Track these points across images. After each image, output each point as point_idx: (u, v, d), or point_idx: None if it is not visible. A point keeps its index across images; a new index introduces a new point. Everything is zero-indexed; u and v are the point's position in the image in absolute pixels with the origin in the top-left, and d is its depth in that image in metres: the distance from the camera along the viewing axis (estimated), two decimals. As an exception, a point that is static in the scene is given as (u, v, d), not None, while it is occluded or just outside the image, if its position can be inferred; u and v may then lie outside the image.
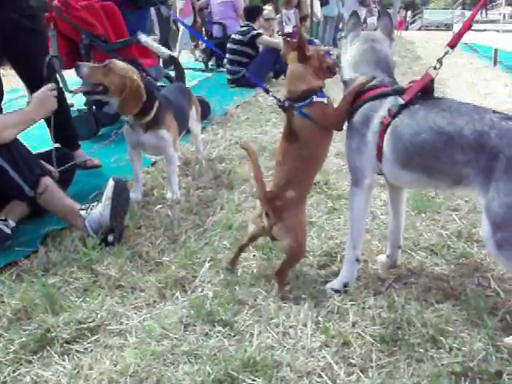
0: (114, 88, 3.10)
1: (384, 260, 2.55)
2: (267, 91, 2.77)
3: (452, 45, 2.20)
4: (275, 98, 2.49)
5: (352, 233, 2.34)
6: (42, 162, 3.02)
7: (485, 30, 22.92)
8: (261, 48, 8.17)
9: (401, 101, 2.13)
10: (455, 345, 1.94)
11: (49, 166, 3.07)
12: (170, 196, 3.40)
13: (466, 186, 2.01)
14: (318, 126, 2.30)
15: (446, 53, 2.19)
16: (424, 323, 2.05)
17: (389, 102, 2.17)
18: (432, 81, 2.17)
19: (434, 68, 2.17)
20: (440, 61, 2.17)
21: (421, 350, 1.91)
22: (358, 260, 2.35)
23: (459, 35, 2.19)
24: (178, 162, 3.61)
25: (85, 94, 3.34)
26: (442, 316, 2.11)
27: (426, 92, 2.16)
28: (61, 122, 3.19)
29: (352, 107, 2.28)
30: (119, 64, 3.17)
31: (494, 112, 1.98)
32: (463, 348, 1.92)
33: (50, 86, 3.03)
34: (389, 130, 2.14)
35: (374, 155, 2.20)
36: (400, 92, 2.18)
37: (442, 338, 1.97)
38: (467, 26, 2.22)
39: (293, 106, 2.31)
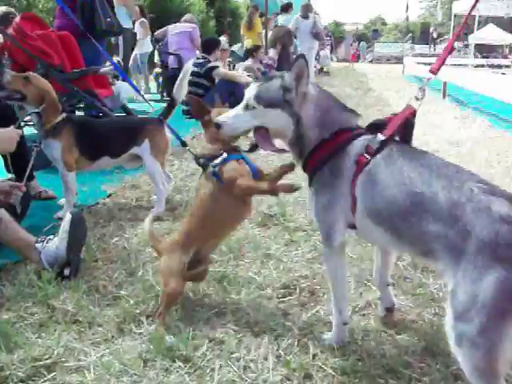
0: (32, 97, 3.49)
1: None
2: (184, 144, 2.94)
3: (434, 70, 2.08)
4: (192, 153, 2.67)
5: (335, 297, 2.14)
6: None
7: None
8: (217, 80, 8.23)
9: (381, 137, 1.92)
10: (415, 375, 1.97)
11: (13, 183, 3.10)
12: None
13: (434, 260, 1.76)
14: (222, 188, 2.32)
15: (429, 79, 2.09)
16: (383, 354, 2.07)
17: (365, 139, 1.95)
18: (414, 114, 1.99)
19: (417, 99, 1.99)
20: (423, 89, 2.01)
21: (381, 381, 1.94)
22: (345, 324, 2.16)
23: (442, 60, 2.08)
24: (72, 183, 3.69)
25: (3, 98, 3.63)
26: (400, 347, 2.14)
27: (406, 128, 1.98)
28: (16, 153, 3.15)
29: (320, 159, 2.01)
30: (39, 78, 3.60)
31: (479, 181, 1.71)
32: (423, 378, 1.96)
33: (20, 132, 3.17)
34: (364, 172, 1.90)
35: (348, 206, 1.96)
36: (379, 126, 1.98)
37: (401, 368, 2.00)
38: (449, 51, 2.17)
39: (207, 164, 2.36)
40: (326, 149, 1.99)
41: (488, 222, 1.58)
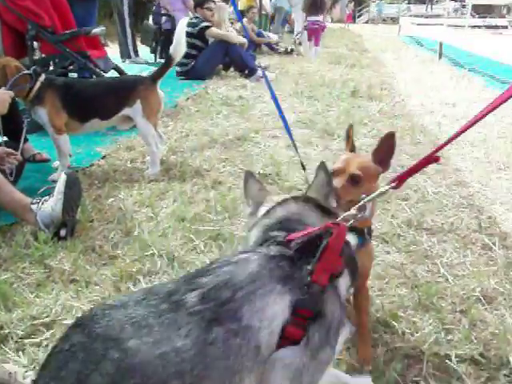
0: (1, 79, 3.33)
1: None
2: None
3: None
4: None
5: None
6: None
7: (429, 25, 23.47)
8: (210, 40, 8.14)
9: None
10: (408, 329, 2.00)
11: (8, 150, 3.15)
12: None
13: None
14: None
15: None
16: (377, 309, 2.11)
17: None
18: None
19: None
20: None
21: (374, 335, 1.97)
22: None
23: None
24: (64, 145, 3.67)
25: None
26: (394, 302, 2.17)
27: None
28: (7, 115, 3.13)
29: None
30: None
31: None
32: (415, 333, 1.99)
33: (11, 93, 3.18)
34: None
35: None
36: None
37: (394, 323, 2.03)
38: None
39: None
40: None
41: None
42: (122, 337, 1.03)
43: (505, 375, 1.80)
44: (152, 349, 1.01)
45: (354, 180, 1.78)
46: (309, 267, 1.22)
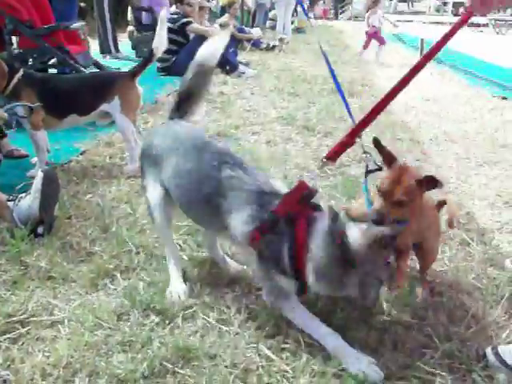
0: None
1: None
2: None
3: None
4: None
5: None
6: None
7: (411, 21, 23.56)
8: (191, 36, 8.10)
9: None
10: (384, 324, 2.01)
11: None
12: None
13: None
14: None
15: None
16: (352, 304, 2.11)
17: None
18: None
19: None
20: None
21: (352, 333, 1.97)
22: None
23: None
24: (42, 141, 3.61)
25: None
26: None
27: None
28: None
29: None
30: None
31: None
32: (392, 328, 2.00)
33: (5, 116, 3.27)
34: None
35: None
36: None
37: (370, 317, 2.04)
38: None
39: None
40: None
41: None
42: None
43: (481, 368, 1.81)
44: None
45: (398, 204, 1.87)
46: None
